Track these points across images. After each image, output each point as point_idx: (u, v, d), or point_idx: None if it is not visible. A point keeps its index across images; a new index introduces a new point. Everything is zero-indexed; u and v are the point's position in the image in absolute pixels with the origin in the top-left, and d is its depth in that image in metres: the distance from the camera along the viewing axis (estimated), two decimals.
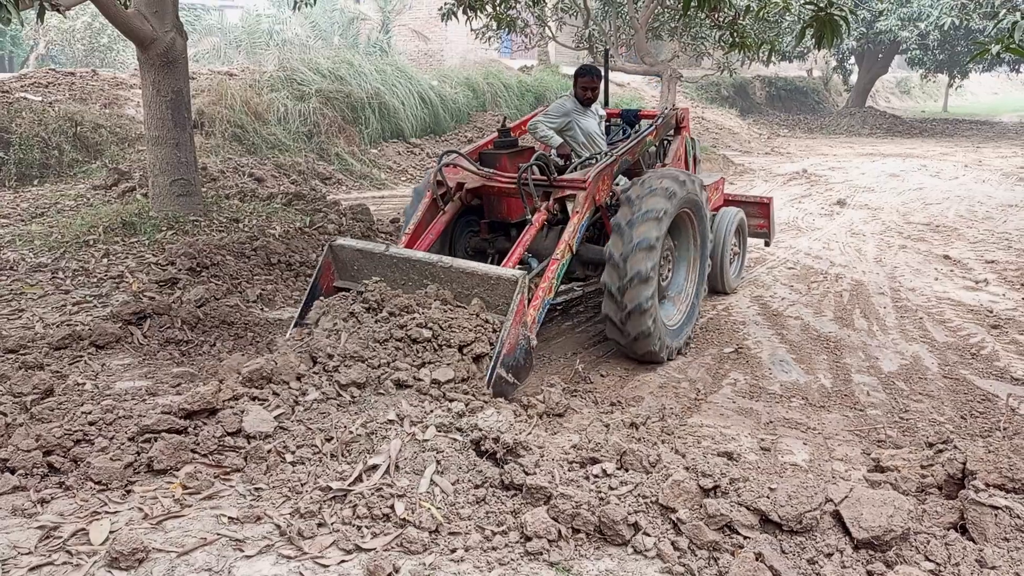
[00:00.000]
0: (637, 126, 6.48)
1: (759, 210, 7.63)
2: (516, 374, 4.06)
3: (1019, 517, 2.71)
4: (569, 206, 4.92)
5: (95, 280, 5.82)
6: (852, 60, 31.27)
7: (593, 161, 5.34)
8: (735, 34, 8.36)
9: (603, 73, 6.50)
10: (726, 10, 7.95)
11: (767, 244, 8.01)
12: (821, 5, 4.87)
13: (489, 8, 11.11)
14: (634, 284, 4.62)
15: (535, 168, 4.95)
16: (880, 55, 29.16)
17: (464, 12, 10.80)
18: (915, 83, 40.24)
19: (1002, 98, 45.17)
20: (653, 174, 5.12)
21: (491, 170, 5.32)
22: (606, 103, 6.78)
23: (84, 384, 3.80)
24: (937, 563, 2.50)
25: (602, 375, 4.99)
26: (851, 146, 21.54)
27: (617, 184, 5.34)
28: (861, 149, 20.69)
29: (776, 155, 19.24)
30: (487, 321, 4.05)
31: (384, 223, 8.73)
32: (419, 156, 14.18)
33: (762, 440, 4.03)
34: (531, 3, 10.06)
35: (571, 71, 21.66)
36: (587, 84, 5.85)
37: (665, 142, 6.39)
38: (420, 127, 14.90)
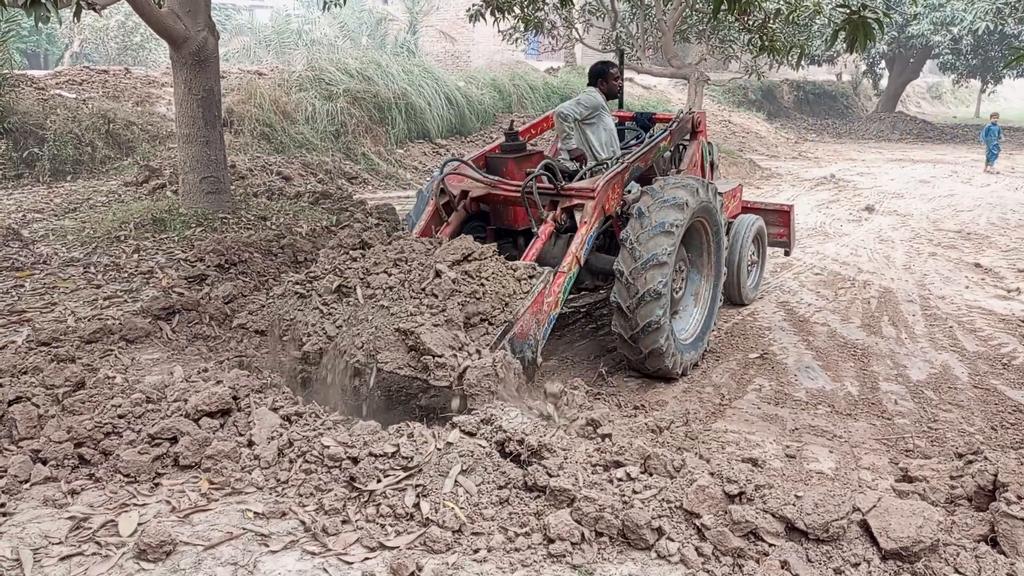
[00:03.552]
0: (651, 130, 6.19)
1: (779, 218, 7.34)
2: (521, 363, 3.80)
3: None
4: (577, 216, 4.69)
5: (126, 275, 5.91)
6: (882, 64, 30.88)
7: (603, 168, 5.15)
8: (764, 37, 8.29)
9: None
10: (756, 13, 7.87)
11: (787, 254, 7.72)
12: (854, 7, 4.81)
13: (517, 10, 11.14)
14: (645, 302, 4.42)
15: (542, 176, 4.70)
16: (911, 59, 28.78)
17: (492, 14, 10.84)
18: (947, 88, 39.64)
19: None
20: (665, 183, 4.86)
21: (496, 177, 5.08)
22: (620, 105, 6.63)
23: (114, 378, 3.85)
24: None
25: (625, 379, 4.97)
26: (880, 151, 21.28)
27: (628, 191, 5.09)
28: (891, 155, 20.44)
29: (804, 160, 19.05)
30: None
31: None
32: (445, 157, 14.22)
33: (787, 447, 3.99)
34: (559, 4, 10.04)
35: None
36: (616, 76, 5.71)
37: (680, 147, 6.12)
38: (446, 128, 14.95)
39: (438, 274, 3.89)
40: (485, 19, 11.23)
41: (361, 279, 4.00)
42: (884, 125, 27.38)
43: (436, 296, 3.77)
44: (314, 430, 3.23)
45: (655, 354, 4.62)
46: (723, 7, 5.11)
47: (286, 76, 13.50)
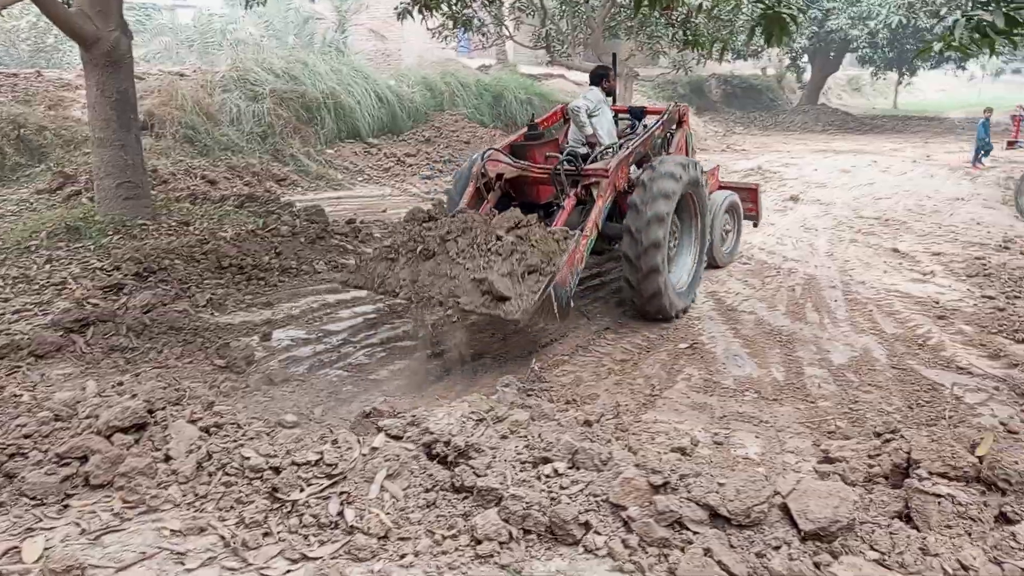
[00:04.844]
0: (644, 121, 7.23)
1: (749, 195, 8.48)
2: (559, 305, 4.80)
3: (961, 504, 2.76)
4: (594, 191, 5.70)
5: (36, 287, 5.64)
6: (805, 58, 31.82)
7: (609, 152, 6.18)
8: (688, 32, 8.42)
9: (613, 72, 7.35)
10: (679, 8, 8.00)
11: (755, 225, 8.82)
12: (769, 3, 4.92)
13: (444, 7, 11.06)
14: (649, 251, 5.48)
15: (565, 161, 5.86)
16: (832, 53, 29.71)
17: (420, 11, 10.73)
18: (866, 81, 41.05)
19: (949, 95, 46.33)
20: (662, 160, 5.89)
21: (525, 162, 6.11)
22: (614, 100, 7.39)
23: (21, 396, 3.67)
24: (882, 552, 2.53)
25: (558, 375, 4.98)
26: (805, 143, 21.91)
27: (631, 172, 6.09)
28: (814, 146, 21.06)
29: (732, 152, 19.48)
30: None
31: (340, 224, 8.62)
32: (376, 156, 14.04)
33: (715, 434, 4.06)
34: (486, 2, 10.02)
35: (530, 70, 21.47)
36: (612, 78, 6.89)
37: (668, 134, 7.16)
38: (377, 127, 14.76)
39: (499, 238, 4.86)
40: (413, 16, 11.12)
41: (439, 244, 4.94)
42: (808, 117, 28.19)
43: (499, 254, 4.76)
44: (235, 441, 3.14)
45: (655, 296, 5.70)
46: (644, 3, 5.16)
47: (209, 77, 13.11)
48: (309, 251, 7.41)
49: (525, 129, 6.65)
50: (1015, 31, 4.25)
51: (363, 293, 6.56)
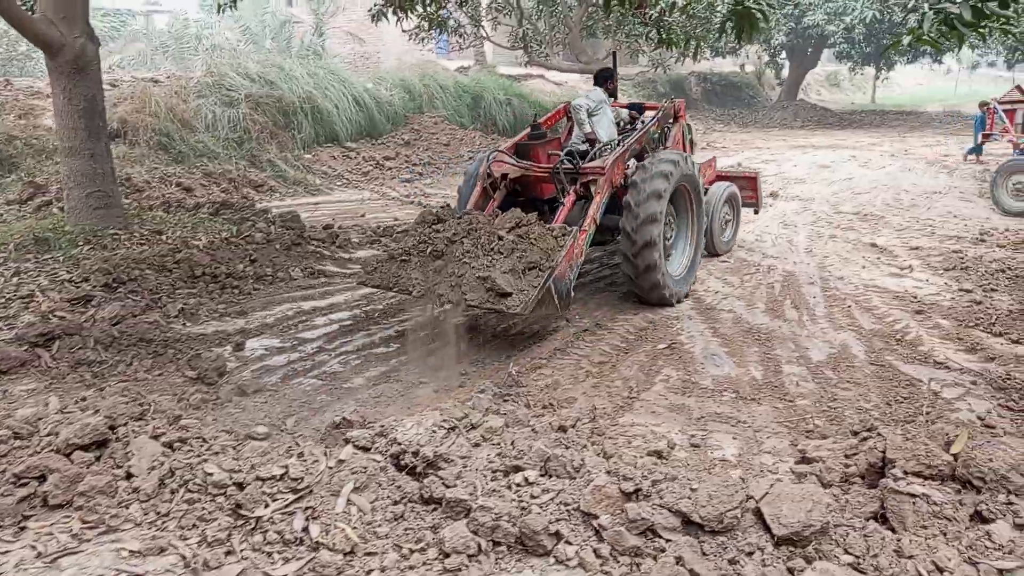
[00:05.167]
0: (643, 117, 7.57)
1: (748, 183, 8.79)
2: (559, 297, 5.21)
3: (936, 504, 2.73)
4: (592, 188, 6.09)
5: (3, 301, 5.52)
6: (784, 55, 31.98)
7: (608, 149, 6.51)
8: (662, 31, 8.41)
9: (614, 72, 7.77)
10: (650, 8, 7.99)
11: (756, 212, 9.17)
12: None
13: (420, 8, 10.99)
14: (644, 249, 5.89)
15: (565, 160, 6.24)
16: (809, 49, 29.88)
17: (394, 13, 10.66)
18: (844, 76, 41.35)
19: (926, 88, 46.80)
20: (654, 158, 6.26)
21: (528, 162, 6.55)
22: (615, 98, 7.79)
23: None
24: (856, 556, 2.49)
25: (535, 378, 4.92)
26: (784, 139, 22.01)
27: (627, 167, 6.41)
28: (794, 141, 21.16)
29: (712, 150, 19.50)
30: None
31: (317, 230, 8.53)
32: (355, 160, 13.95)
33: (692, 436, 4.02)
34: (461, 3, 9.97)
35: (510, 71, 21.40)
36: (615, 79, 7.32)
37: (666, 129, 7.46)
38: (355, 130, 14.67)
39: (500, 238, 5.28)
40: (388, 18, 11.05)
41: (446, 245, 5.35)
42: (787, 113, 28.33)
43: (501, 253, 5.17)
44: (199, 456, 3.06)
45: (654, 287, 6.14)
46: (614, 3, 5.12)
47: (184, 83, 12.97)
48: (285, 258, 7.32)
49: (529, 129, 7.07)
50: (982, 23, 4.24)
51: (339, 299, 6.51)
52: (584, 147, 6.75)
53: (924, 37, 4.53)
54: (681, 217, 6.85)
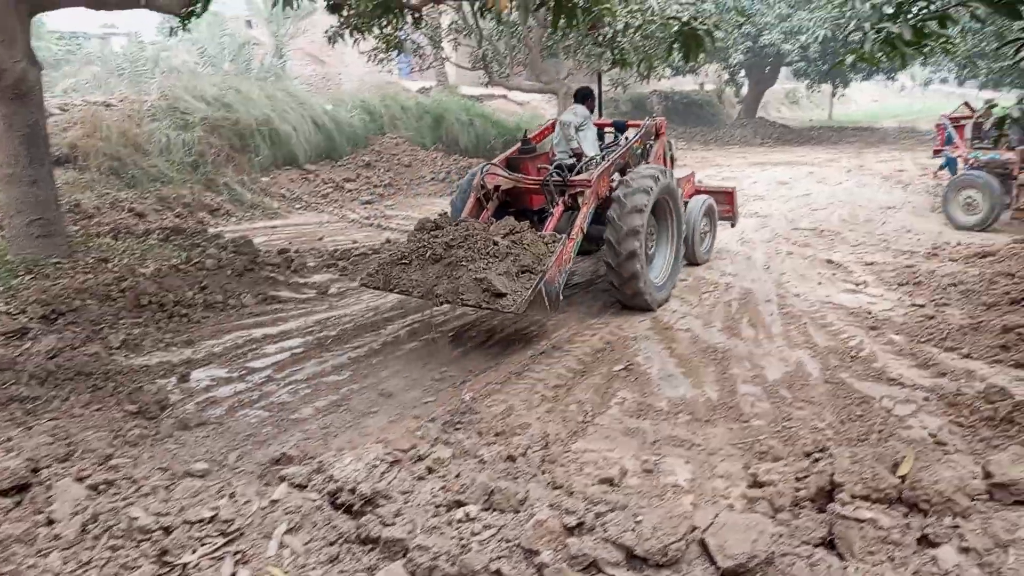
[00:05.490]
0: (626, 133, 8.03)
1: (725, 198, 9.14)
2: (549, 299, 5.65)
3: (883, 529, 2.69)
4: (579, 200, 6.58)
5: None
6: (743, 73, 32.50)
7: (593, 163, 6.94)
8: (615, 51, 8.45)
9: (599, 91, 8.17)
10: (603, 27, 8.05)
11: (732, 225, 9.46)
12: (684, 20, 4.91)
13: (376, 30, 10.94)
14: (626, 260, 6.33)
15: (555, 173, 6.71)
16: (767, 68, 30.40)
17: (351, 34, 10.59)
18: (803, 93, 42.13)
19: (881, 105, 47.85)
20: (635, 174, 6.67)
21: (519, 175, 7.00)
22: (600, 115, 8.24)
23: None
24: None
25: (489, 405, 4.83)
26: (744, 156, 22.30)
27: (612, 180, 6.88)
28: (753, 158, 21.44)
29: (673, 168, 19.68)
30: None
31: (271, 254, 8.38)
32: (314, 182, 13.80)
33: (645, 462, 3.95)
34: (417, 23, 9.94)
35: (472, 91, 21.44)
36: (595, 97, 7.63)
37: (648, 145, 7.90)
38: (315, 152, 14.52)
39: (495, 243, 5.62)
40: (344, 40, 10.98)
41: (444, 249, 5.67)
42: (747, 131, 28.74)
43: (496, 257, 5.52)
44: (124, 499, 2.91)
45: (637, 294, 6.57)
46: (560, 24, 5.12)
47: (137, 107, 12.73)
48: (236, 284, 7.16)
49: (520, 144, 7.61)
50: (922, 43, 4.30)
51: (292, 326, 6.37)
52: (571, 161, 7.12)
53: (866, 56, 4.58)
54: (662, 227, 7.30)
